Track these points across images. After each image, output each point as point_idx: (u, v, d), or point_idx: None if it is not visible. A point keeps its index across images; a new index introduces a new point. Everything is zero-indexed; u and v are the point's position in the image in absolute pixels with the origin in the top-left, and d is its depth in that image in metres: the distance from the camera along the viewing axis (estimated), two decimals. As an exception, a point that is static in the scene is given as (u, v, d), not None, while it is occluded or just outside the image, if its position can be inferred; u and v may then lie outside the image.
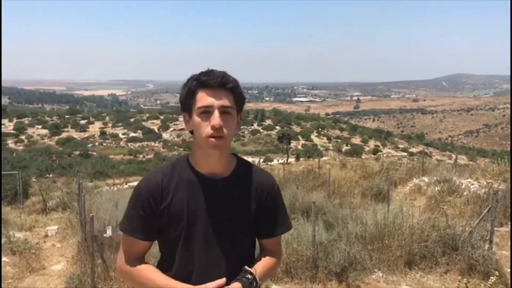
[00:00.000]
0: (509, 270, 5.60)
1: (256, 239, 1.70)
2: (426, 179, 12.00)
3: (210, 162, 1.53)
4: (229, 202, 1.55)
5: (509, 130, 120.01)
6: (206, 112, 1.45)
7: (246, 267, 1.55)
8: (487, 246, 5.78)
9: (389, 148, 67.37)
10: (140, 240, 1.54)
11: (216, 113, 1.44)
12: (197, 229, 1.52)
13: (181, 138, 67.40)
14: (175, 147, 63.77)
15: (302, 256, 5.37)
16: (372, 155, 46.57)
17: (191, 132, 1.54)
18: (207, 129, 1.44)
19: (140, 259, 1.58)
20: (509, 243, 6.98)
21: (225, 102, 1.46)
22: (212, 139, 1.44)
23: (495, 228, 6.32)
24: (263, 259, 1.66)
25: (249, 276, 1.52)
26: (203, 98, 1.45)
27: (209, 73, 1.47)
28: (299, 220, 6.78)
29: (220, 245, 1.54)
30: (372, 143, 71.22)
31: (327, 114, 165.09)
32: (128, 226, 1.55)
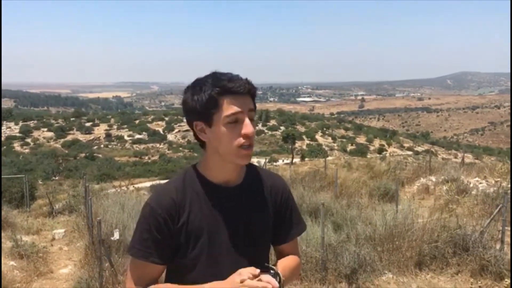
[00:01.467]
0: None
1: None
2: (433, 178, 11.93)
3: (227, 172, 1.45)
4: (247, 210, 1.48)
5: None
6: (235, 121, 1.35)
7: (267, 264, 1.48)
8: (498, 246, 5.72)
9: (394, 147, 67.17)
10: (156, 264, 1.41)
11: (248, 121, 1.36)
12: (220, 243, 1.43)
13: (186, 139, 67.48)
14: (180, 148, 63.88)
15: (311, 258, 5.33)
16: (378, 155, 46.44)
17: (202, 142, 1.43)
18: (238, 139, 1.35)
19: (154, 283, 1.45)
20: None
21: (252, 108, 1.39)
22: (244, 150, 1.36)
23: (506, 228, 6.24)
24: (283, 258, 1.59)
25: (272, 272, 1.43)
26: (232, 106, 1.34)
27: (234, 79, 1.36)
28: (307, 221, 6.74)
29: (246, 256, 1.45)
30: (377, 142, 71.04)
31: (331, 114, 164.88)
32: (141, 250, 1.40)
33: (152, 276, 1.43)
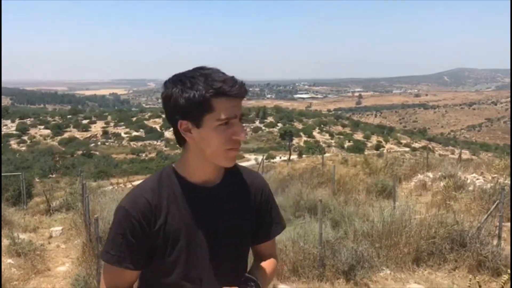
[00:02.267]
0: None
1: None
2: (430, 174, 11.93)
3: (207, 172, 1.38)
4: (227, 209, 1.42)
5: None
6: (226, 124, 1.28)
7: (247, 274, 1.44)
8: (495, 242, 5.74)
9: (391, 144, 67.30)
10: (130, 270, 1.33)
11: (240, 126, 1.31)
12: (199, 245, 1.36)
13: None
14: (177, 145, 63.83)
15: (309, 255, 5.33)
16: (375, 151, 46.50)
17: (182, 140, 1.36)
18: (228, 142, 1.29)
19: None
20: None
21: (242, 113, 1.34)
22: (232, 152, 1.32)
23: (503, 223, 6.26)
24: (263, 263, 1.55)
25: (252, 284, 1.40)
26: (226, 110, 1.27)
27: (228, 80, 1.28)
28: (305, 218, 6.75)
29: (227, 258, 1.41)
30: (374, 139, 71.18)
31: (329, 111, 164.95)
32: (115, 256, 1.32)
33: (127, 282, 1.36)
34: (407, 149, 54.07)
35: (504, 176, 10.72)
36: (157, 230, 1.32)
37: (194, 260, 1.36)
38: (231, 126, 1.29)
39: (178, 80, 1.29)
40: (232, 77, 1.30)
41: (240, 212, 1.44)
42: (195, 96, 1.25)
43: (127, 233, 1.31)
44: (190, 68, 1.34)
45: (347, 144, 65.27)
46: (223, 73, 1.31)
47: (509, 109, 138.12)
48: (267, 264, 1.55)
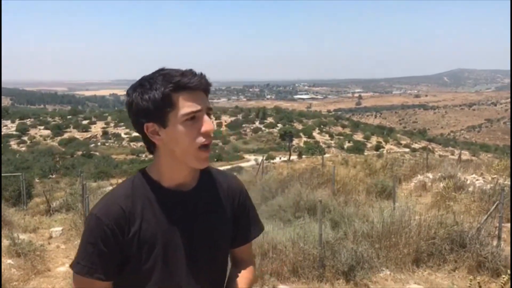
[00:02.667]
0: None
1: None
2: (430, 175, 11.94)
3: (181, 175, 1.33)
4: (204, 214, 1.37)
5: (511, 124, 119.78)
6: (192, 118, 1.24)
7: None
8: (495, 242, 5.74)
9: (391, 144, 67.34)
10: (101, 281, 1.26)
11: (207, 118, 1.26)
12: (176, 251, 1.31)
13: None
14: (149, 152, 63.78)
15: (309, 255, 5.33)
16: (375, 152, 46.52)
17: (152, 145, 1.31)
18: (198, 138, 1.25)
19: None
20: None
21: (208, 104, 1.29)
22: (203, 152, 1.26)
23: (502, 224, 6.27)
24: (242, 273, 1.50)
25: None
26: (189, 103, 1.23)
27: (187, 73, 1.24)
28: (305, 218, 6.75)
29: (206, 264, 1.37)
30: (374, 140, 71.21)
31: (328, 111, 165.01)
32: (86, 266, 1.25)
33: None
34: (407, 149, 54.13)
35: (503, 177, 10.72)
36: (131, 238, 1.27)
37: (171, 267, 1.31)
38: (198, 121, 1.25)
39: (138, 85, 1.27)
40: (191, 70, 1.26)
41: (217, 216, 1.40)
42: (155, 95, 1.22)
43: (98, 242, 1.25)
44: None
45: (347, 144, 65.31)
46: (190, 70, 1.27)
47: (509, 110, 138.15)
48: (246, 275, 1.51)
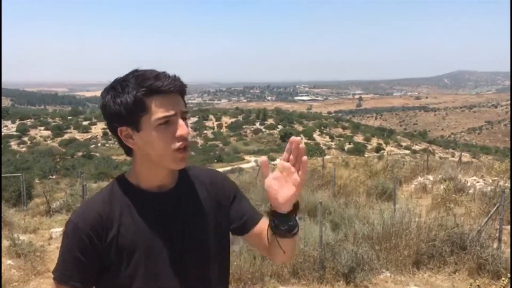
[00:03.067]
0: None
1: (247, 239, 1.48)
2: (431, 177, 11.95)
3: (160, 177, 1.30)
4: (186, 213, 1.33)
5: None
6: (166, 122, 1.20)
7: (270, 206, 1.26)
8: (495, 245, 5.73)
9: (392, 146, 67.25)
10: None
11: (181, 122, 1.22)
12: (159, 254, 1.27)
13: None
14: (126, 155, 63.84)
15: (309, 257, 5.33)
16: (375, 153, 46.50)
17: (128, 148, 1.28)
18: (173, 142, 1.21)
19: None
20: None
21: (184, 107, 1.25)
22: (180, 153, 1.23)
23: (503, 226, 6.26)
24: None
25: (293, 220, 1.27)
26: (162, 107, 1.19)
27: (160, 76, 1.20)
28: (305, 220, 6.75)
29: (193, 265, 1.31)
30: (374, 141, 71.12)
31: (329, 113, 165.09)
32: (62, 274, 1.23)
33: None
34: (407, 151, 54.03)
35: (504, 179, 10.72)
36: (109, 244, 1.24)
37: (154, 271, 1.27)
38: (172, 125, 1.21)
39: (111, 87, 1.23)
40: (164, 72, 1.22)
41: (200, 215, 1.35)
42: (127, 99, 1.19)
43: (75, 248, 1.23)
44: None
45: (347, 146, 65.25)
46: (156, 71, 1.23)
47: (509, 112, 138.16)
48: None
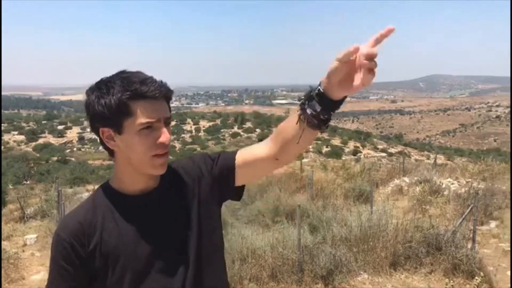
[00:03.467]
0: (491, 268, 5.67)
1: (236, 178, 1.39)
2: (407, 179, 12.13)
3: (142, 180, 1.28)
4: (171, 212, 1.30)
5: (485, 129, 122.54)
6: (149, 127, 1.19)
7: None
8: (469, 245, 5.86)
9: (368, 149, 68.01)
10: None
11: (164, 129, 1.21)
12: (145, 258, 1.25)
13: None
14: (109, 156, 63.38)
15: (287, 260, 5.34)
16: (352, 156, 46.99)
17: (111, 151, 1.27)
18: (153, 147, 1.20)
19: None
20: (490, 242, 7.08)
21: (168, 113, 1.24)
22: (159, 158, 1.22)
23: (477, 227, 6.40)
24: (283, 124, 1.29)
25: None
26: (147, 113, 1.18)
27: (147, 81, 1.18)
28: (284, 223, 6.77)
29: (183, 264, 1.28)
30: (352, 144, 71.83)
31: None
32: (49, 283, 1.26)
33: None
34: (383, 154, 54.80)
35: (478, 180, 10.97)
36: (92, 250, 1.23)
37: (142, 276, 1.25)
38: (154, 130, 1.20)
39: (96, 87, 1.22)
40: (151, 77, 1.21)
41: (185, 212, 1.32)
42: (111, 101, 1.17)
43: (58, 258, 1.23)
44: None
45: (324, 149, 65.73)
46: (144, 74, 1.21)
47: (482, 115, 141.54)
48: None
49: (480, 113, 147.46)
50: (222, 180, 1.38)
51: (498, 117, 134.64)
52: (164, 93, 1.21)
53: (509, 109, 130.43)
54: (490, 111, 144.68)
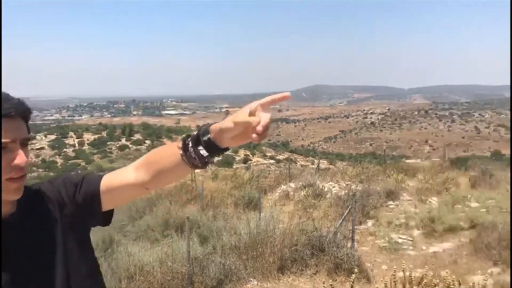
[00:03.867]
0: (369, 264, 6.13)
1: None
2: (292, 184, 12.63)
3: None
4: (33, 241, 1.20)
5: (362, 135, 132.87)
6: (4, 149, 1.09)
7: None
8: (349, 244, 6.27)
9: (258, 157, 69.92)
10: None
11: (20, 150, 1.12)
12: None
13: (40, 158, 62.22)
14: (34, 168, 58.66)
15: (177, 274, 5.26)
16: (243, 164, 47.89)
17: None
18: (7, 170, 1.10)
19: None
20: (368, 239, 7.65)
21: (26, 133, 1.15)
22: (13, 183, 1.12)
23: (355, 227, 6.88)
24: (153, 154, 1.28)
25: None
26: (2, 133, 1.08)
27: (1, 99, 1.10)
28: (173, 237, 6.66)
29: None
30: (242, 153, 73.25)
31: (198, 126, 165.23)
32: None
33: None
34: (272, 161, 56.70)
35: (356, 183, 11.80)
36: None
37: None
38: (9, 152, 1.11)
39: None
40: (7, 95, 1.13)
41: (46, 236, 1.21)
42: None
43: None
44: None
45: (216, 158, 66.24)
46: (5, 94, 1.12)
47: (360, 122, 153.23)
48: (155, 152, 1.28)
49: (357, 120, 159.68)
50: (87, 207, 1.28)
51: (372, 123, 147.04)
52: (21, 112, 1.13)
53: (381, 115, 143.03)
54: (366, 118, 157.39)
